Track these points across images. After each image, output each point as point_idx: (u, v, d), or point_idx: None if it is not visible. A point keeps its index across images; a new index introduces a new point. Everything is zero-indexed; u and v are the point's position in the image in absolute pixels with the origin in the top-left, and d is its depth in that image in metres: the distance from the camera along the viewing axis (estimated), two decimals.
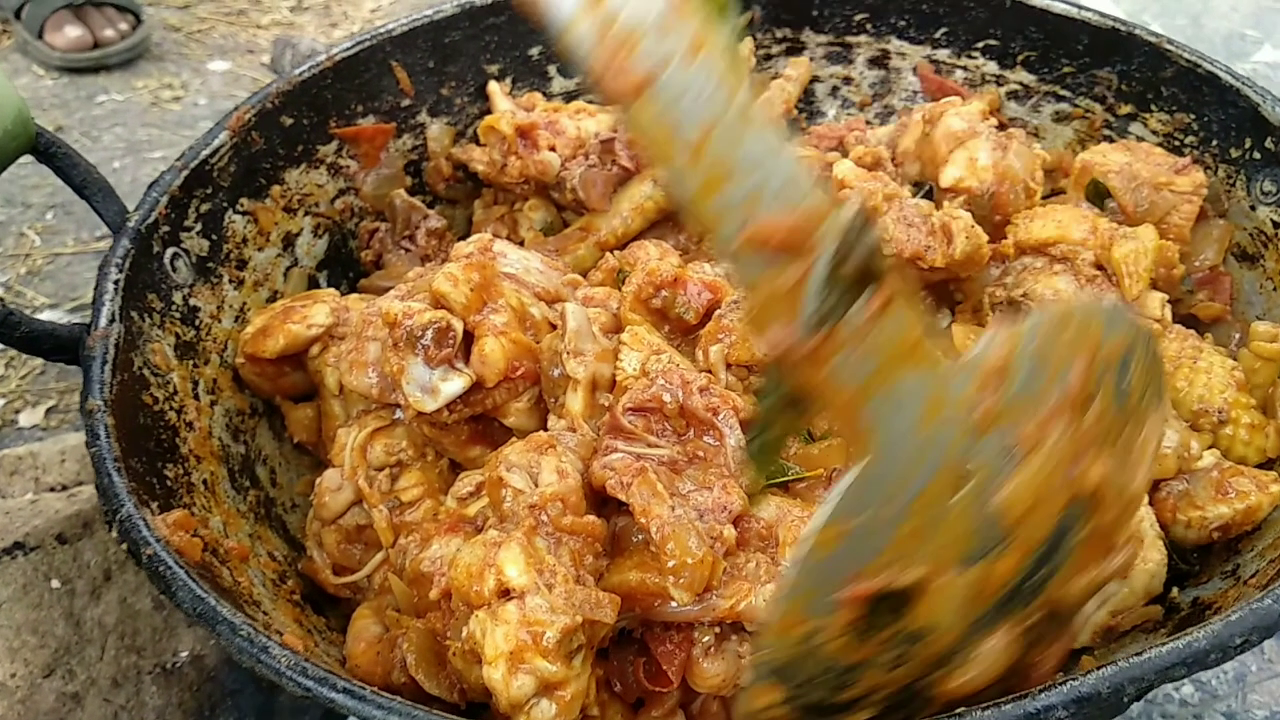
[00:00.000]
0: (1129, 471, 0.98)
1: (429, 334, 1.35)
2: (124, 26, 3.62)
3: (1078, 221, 1.59)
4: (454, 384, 1.35)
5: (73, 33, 3.52)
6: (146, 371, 1.40)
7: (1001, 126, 1.73)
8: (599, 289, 1.55)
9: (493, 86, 1.93)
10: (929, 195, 1.69)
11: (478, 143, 1.90)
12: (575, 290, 1.56)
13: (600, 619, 1.12)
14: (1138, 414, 0.96)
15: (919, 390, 0.86)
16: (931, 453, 0.87)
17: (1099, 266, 1.57)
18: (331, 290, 1.72)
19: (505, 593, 1.11)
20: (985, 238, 1.53)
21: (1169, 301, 1.57)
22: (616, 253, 1.67)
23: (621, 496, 1.21)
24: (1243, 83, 1.69)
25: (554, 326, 1.46)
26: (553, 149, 1.80)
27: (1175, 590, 1.36)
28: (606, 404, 1.38)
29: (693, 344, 1.44)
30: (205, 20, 3.89)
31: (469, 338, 1.39)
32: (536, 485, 1.23)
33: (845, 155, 1.76)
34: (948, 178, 1.66)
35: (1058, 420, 0.89)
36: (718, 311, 1.41)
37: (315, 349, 1.58)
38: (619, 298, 1.50)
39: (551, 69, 2.05)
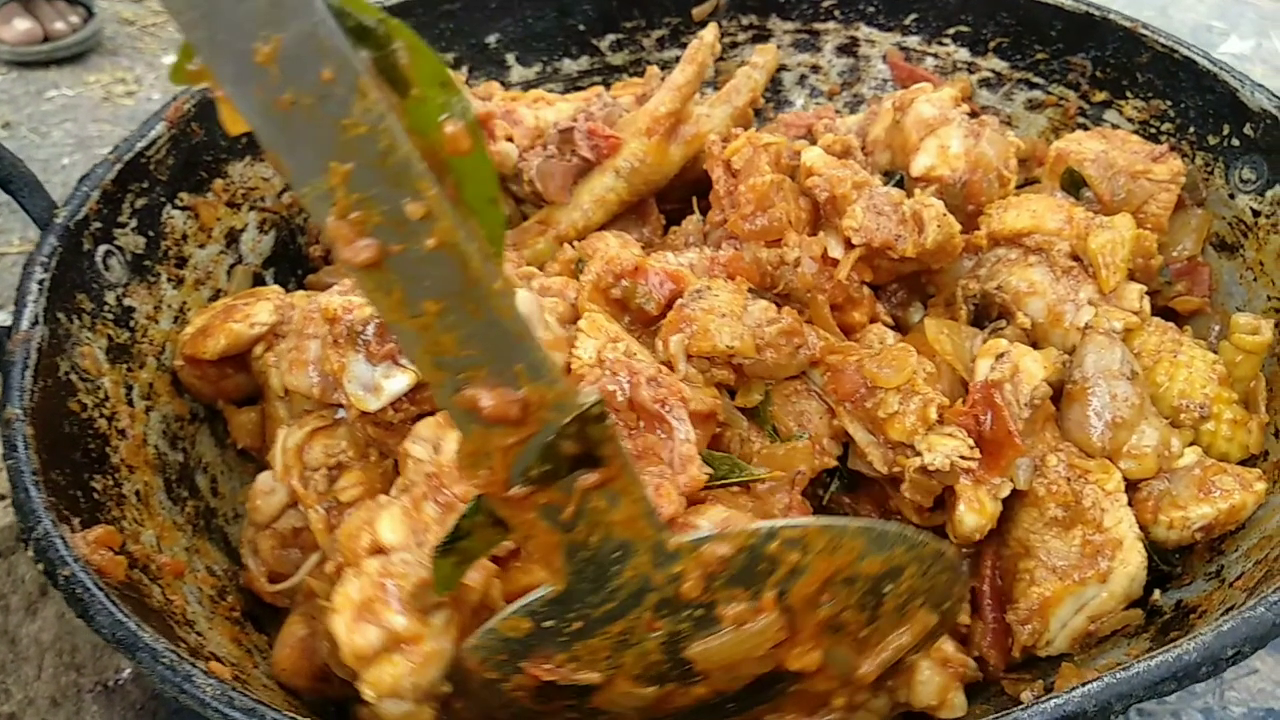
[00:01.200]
0: (860, 658, 1.06)
1: (370, 329, 1.28)
2: (75, 19, 3.53)
3: (1053, 211, 1.53)
4: (398, 381, 1.28)
5: (22, 25, 3.43)
6: (74, 377, 1.33)
7: (973, 114, 1.68)
8: (556, 279, 1.49)
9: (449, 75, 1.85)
10: (900, 184, 1.63)
11: None
12: (530, 281, 1.50)
13: (470, 582, 1.08)
14: (895, 618, 1.04)
15: (622, 556, 0.92)
16: (626, 603, 0.95)
17: (1075, 257, 1.51)
18: (276, 288, 1.64)
19: (378, 551, 1.08)
20: (958, 227, 1.48)
21: (1147, 293, 1.52)
22: (576, 244, 1.61)
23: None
24: (1220, 67, 1.64)
25: None
26: (510, 139, 1.73)
27: (1157, 593, 1.32)
28: None
29: (654, 335, 1.39)
30: (160, 13, 3.79)
31: None
32: (431, 459, 1.19)
33: (814, 143, 1.70)
34: (919, 166, 1.60)
35: (768, 613, 0.98)
36: (679, 301, 1.35)
37: (259, 349, 1.50)
38: (577, 287, 1.44)
39: (510, 57, 1.98)
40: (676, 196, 1.78)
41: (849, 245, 1.44)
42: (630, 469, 0.89)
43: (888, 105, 1.71)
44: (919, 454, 1.27)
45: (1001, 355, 1.35)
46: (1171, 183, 1.61)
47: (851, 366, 1.34)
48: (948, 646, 1.27)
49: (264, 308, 1.52)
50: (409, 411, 1.32)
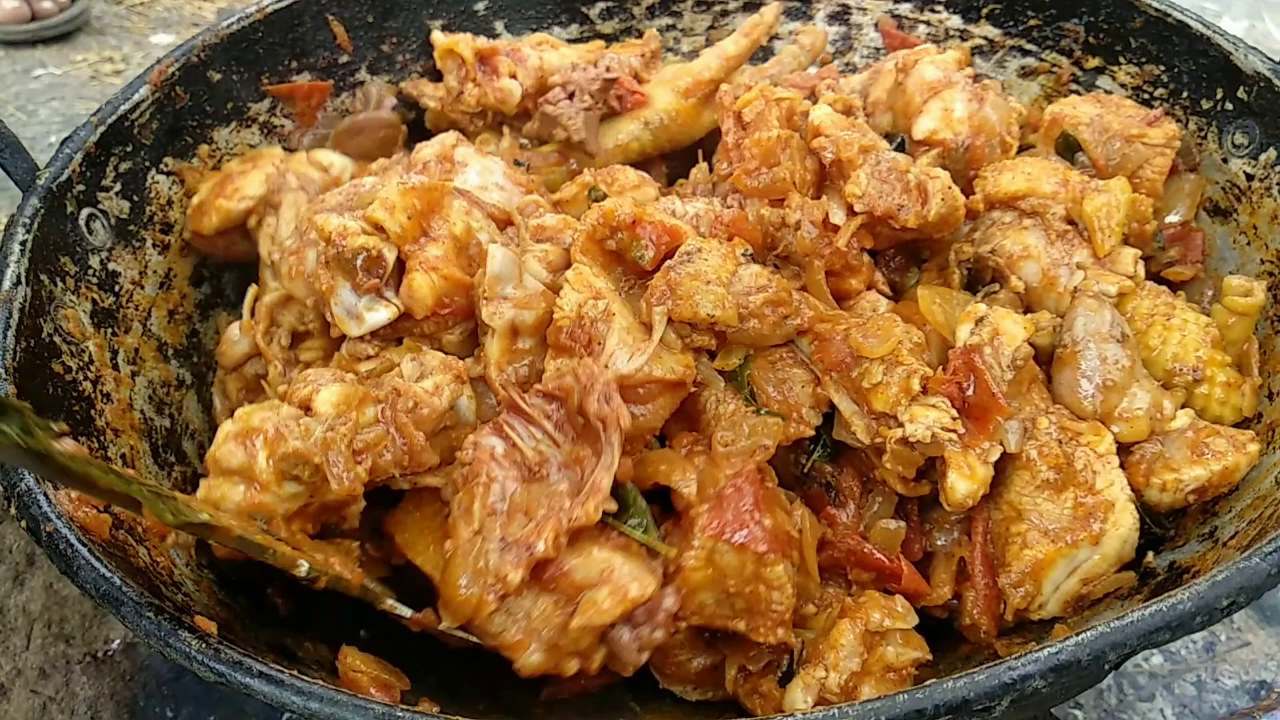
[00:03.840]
0: None
1: (360, 260, 1.32)
2: None
3: (1048, 174, 1.52)
4: (379, 314, 1.34)
5: (9, 4, 3.40)
6: (58, 339, 1.31)
7: (975, 79, 1.66)
8: (555, 218, 1.46)
9: (437, 34, 1.84)
10: (901, 147, 1.61)
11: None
12: (536, 211, 1.49)
13: (338, 493, 1.15)
14: None
15: None
16: None
17: (1070, 221, 1.50)
18: (277, 150, 1.68)
19: (304, 408, 1.18)
20: (962, 199, 1.46)
21: (1141, 259, 1.51)
22: (592, 171, 1.59)
23: (446, 494, 1.22)
24: (1214, 31, 1.63)
25: None
26: (513, 76, 1.72)
27: (1150, 555, 1.31)
28: (527, 348, 1.32)
29: (645, 288, 1.36)
30: None
31: (405, 264, 1.35)
32: (412, 382, 1.26)
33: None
34: (921, 129, 1.58)
35: None
36: (668, 263, 1.33)
37: (252, 220, 1.58)
38: (575, 233, 1.42)
39: (498, 24, 1.97)
40: (681, 152, 1.78)
41: (851, 211, 1.42)
42: None
43: (889, 66, 1.69)
44: (901, 425, 1.26)
45: (981, 319, 1.34)
46: (1166, 147, 1.60)
47: (839, 335, 1.33)
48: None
49: (255, 179, 1.58)
50: (390, 336, 1.37)
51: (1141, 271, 1.49)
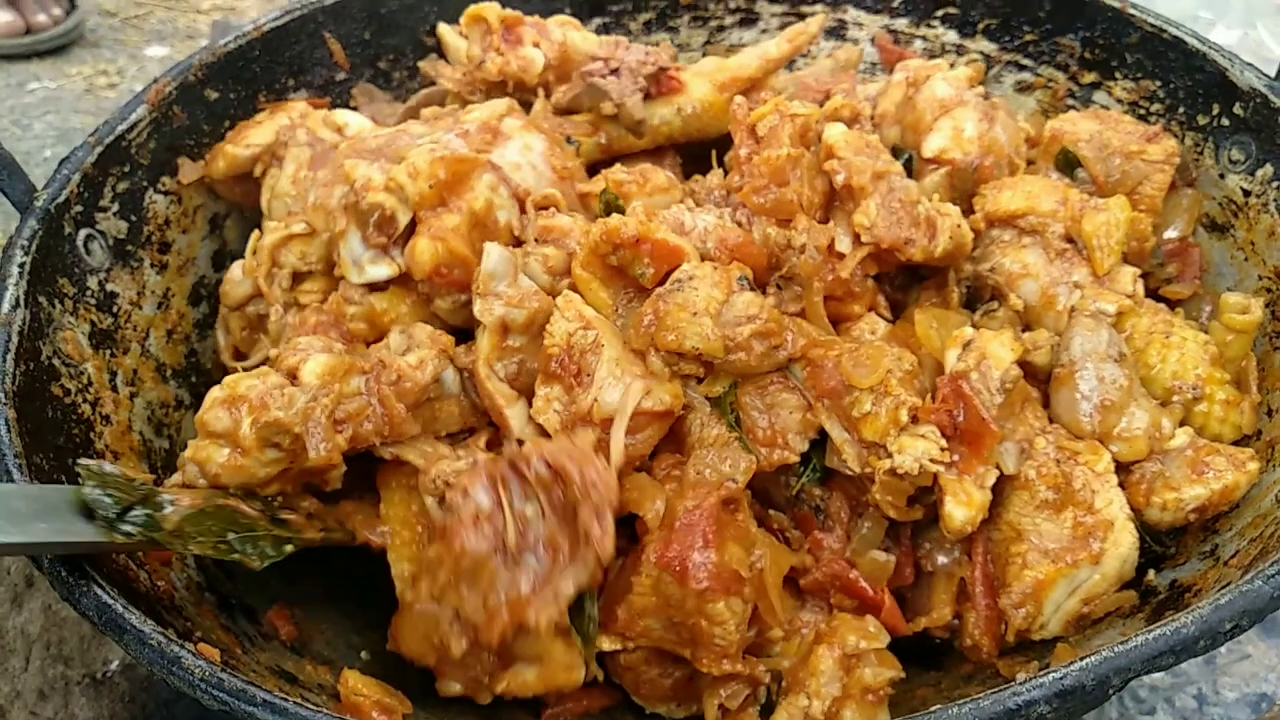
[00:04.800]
0: None
1: (375, 216, 1.36)
2: (57, 11, 3.50)
3: (1048, 192, 1.52)
4: (379, 270, 1.39)
5: (3, 18, 3.39)
6: (56, 361, 1.31)
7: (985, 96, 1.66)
8: (564, 219, 1.46)
9: (443, 28, 1.85)
10: (909, 163, 1.61)
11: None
12: (570, 185, 1.53)
13: (316, 461, 1.20)
14: None
15: None
16: None
17: (1069, 239, 1.50)
18: (300, 104, 1.70)
19: (290, 376, 1.23)
20: (970, 236, 1.46)
21: (1139, 275, 1.51)
22: (622, 170, 1.60)
23: (423, 485, 1.30)
24: (1210, 47, 1.64)
25: (519, 241, 1.45)
26: (537, 45, 1.72)
27: (1151, 573, 1.31)
28: (518, 345, 1.35)
29: (644, 298, 1.36)
30: (142, 5, 3.76)
31: (417, 226, 1.39)
32: (398, 355, 1.32)
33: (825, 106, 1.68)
34: (931, 146, 1.58)
35: None
36: (658, 291, 1.32)
37: (258, 168, 1.61)
38: (582, 234, 1.41)
39: None
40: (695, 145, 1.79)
41: (857, 240, 1.42)
42: None
43: (899, 78, 1.69)
44: (890, 455, 1.26)
45: (968, 343, 1.34)
46: (1166, 163, 1.59)
47: (831, 362, 1.32)
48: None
49: (266, 129, 1.63)
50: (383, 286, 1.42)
51: (1141, 290, 1.49)
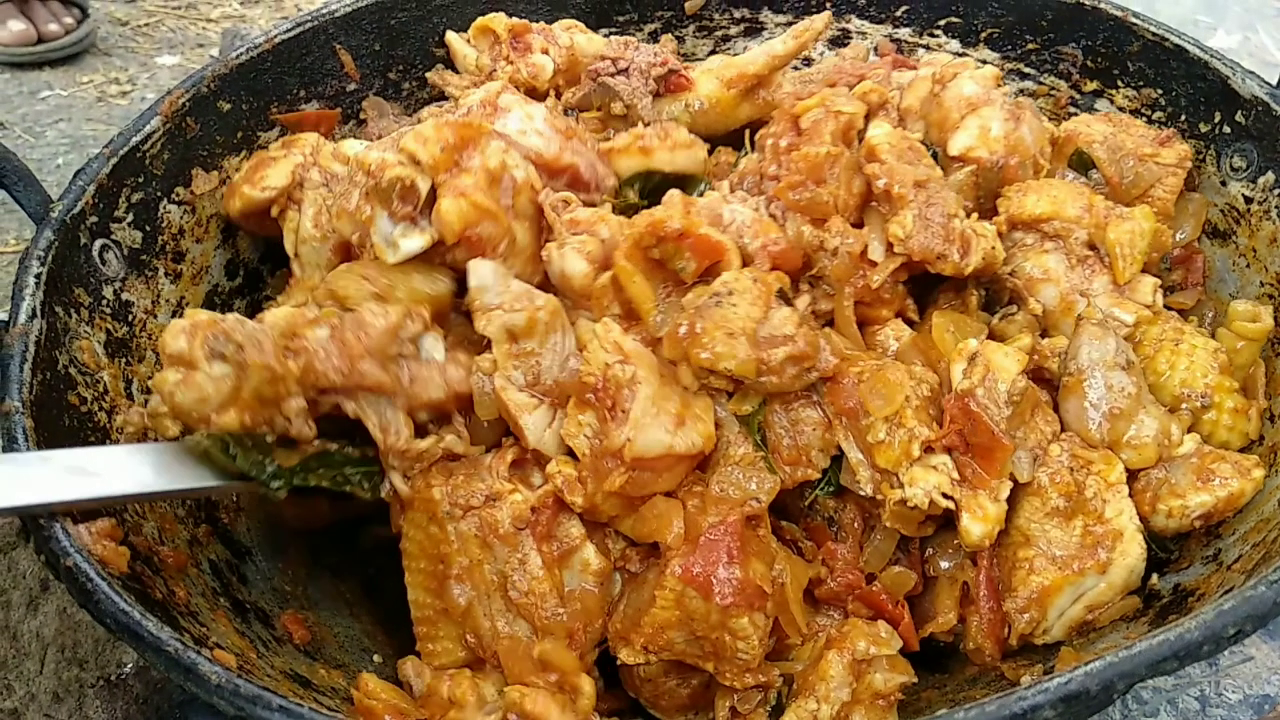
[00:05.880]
0: None
1: (396, 190, 1.36)
2: (69, 20, 3.53)
3: (1073, 198, 1.51)
4: (413, 241, 1.37)
5: (16, 26, 3.42)
6: (73, 370, 1.32)
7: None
8: (586, 212, 1.46)
9: (452, 36, 1.86)
10: (934, 161, 1.56)
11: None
12: (581, 143, 1.55)
13: (259, 374, 1.21)
14: None
15: None
16: None
17: (1092, 246, 1.49)
18: (312, 137, 1.69)
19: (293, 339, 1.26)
20: (1002, 253, 1.45)
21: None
22: (644, 124, 1.65)
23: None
24: (1211, 55, 1.65)
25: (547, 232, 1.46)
26: (545, 52, 1.75)
27: (1155, 577, 1.32)
28: (530, 349, 1.35)
29: (684, 293, 1.36)
30: (153, 14, 3.80)
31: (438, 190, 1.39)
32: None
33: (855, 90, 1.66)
34: (958, 145, 1.57)
35: None
36: (698, 301, 1.31)
37: (275, 210, 1.61)
38: (610, 225, 1.42)
39: None
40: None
41: (890, 249, 1.41)
42: None
43: (925, 74, 1.68)
44: (902, 485, 1.27)
45: (973, 357, 1.34)
46: (1178, 167, 1.60)
47: (851, 380, 1.32)
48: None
49: (281, 169, 1.62)
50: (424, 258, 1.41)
51: (1160, 301, 1.49)
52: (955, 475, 1.27)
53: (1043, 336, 1.47)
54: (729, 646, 1.22)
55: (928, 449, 1.28)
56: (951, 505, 1.26)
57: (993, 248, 1.44)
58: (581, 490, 1.28)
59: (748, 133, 1.72)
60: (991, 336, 1.47)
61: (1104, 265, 1.49)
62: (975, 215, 1.50)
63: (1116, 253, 1.47)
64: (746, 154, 1.66)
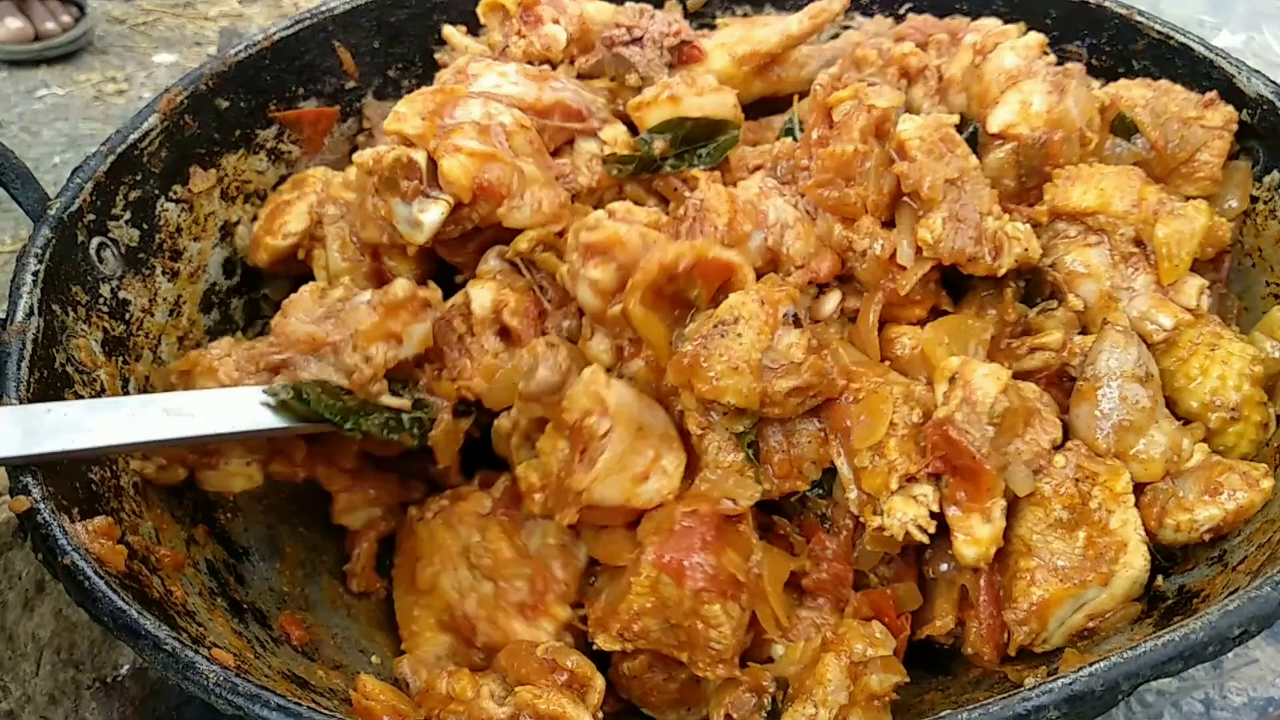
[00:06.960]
0: None
1: (398, 170, 1.38)
2: (66, 19, 3.52)
3: (1122, 191, 1.45)
4: (433, 213, 1.40)
5: (13, 24, 3.42)
6: (70, 368, 1.32)
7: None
8: (604, 231, 1.37)
9: (449, 29, 1.85)
10: (974, 137, 1.53)
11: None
12: (563, 82, 1.60)
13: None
14: None
15: None
16: None
17: (1139, 242, 1.44)
18: (320, 172, 1.71)
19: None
20: (1038, 253, 1.41)
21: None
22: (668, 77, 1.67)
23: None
24: (1216, 54, 1.64)
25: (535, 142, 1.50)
26: (556, 22, 1.74)
27: (1159, 579, 1.30)
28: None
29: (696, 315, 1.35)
30: (151, 12, 3.79)
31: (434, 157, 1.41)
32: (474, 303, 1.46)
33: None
34: (997, 121, 1.51)
35: None
36: (702, 333, 1.28)
37: (300, 253, 1.63)
38: (630, 245, 1.36)
39: None
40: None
41: (919, 252, 1.39)
42: None
43: (968, 42, 1.62)
44: (881, 513, 1.26)
45: (953, 378, 1.30)
46: (1225, 129, 1.55)
47: (848, 398, 1.31)
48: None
49: (298, 213, 1.63)
50: (453, 232, 1.47)
51: (1205, 304, 1.43)
52: (935, 507, 1.25)
53: (1083, 333, 1.43)
54: (701, 635, 1.22)
55: (910, 479, 1.26)
56: (926, 540, 1.24)
57: (1025, 249, 1.40)
58: (542, 503, 1.34)
59: (796, 109, 1.70)
60: (1026, 331, 1.44)
61: (1149, 263, 1.43)
62: (1015, 202, 1.49)
63: (1164, 252, 1.41)
64: (781, 141, 1.62)
